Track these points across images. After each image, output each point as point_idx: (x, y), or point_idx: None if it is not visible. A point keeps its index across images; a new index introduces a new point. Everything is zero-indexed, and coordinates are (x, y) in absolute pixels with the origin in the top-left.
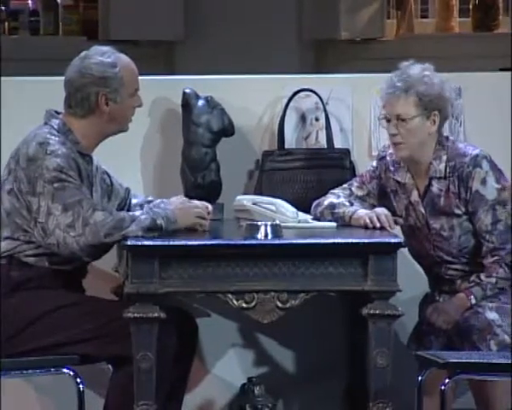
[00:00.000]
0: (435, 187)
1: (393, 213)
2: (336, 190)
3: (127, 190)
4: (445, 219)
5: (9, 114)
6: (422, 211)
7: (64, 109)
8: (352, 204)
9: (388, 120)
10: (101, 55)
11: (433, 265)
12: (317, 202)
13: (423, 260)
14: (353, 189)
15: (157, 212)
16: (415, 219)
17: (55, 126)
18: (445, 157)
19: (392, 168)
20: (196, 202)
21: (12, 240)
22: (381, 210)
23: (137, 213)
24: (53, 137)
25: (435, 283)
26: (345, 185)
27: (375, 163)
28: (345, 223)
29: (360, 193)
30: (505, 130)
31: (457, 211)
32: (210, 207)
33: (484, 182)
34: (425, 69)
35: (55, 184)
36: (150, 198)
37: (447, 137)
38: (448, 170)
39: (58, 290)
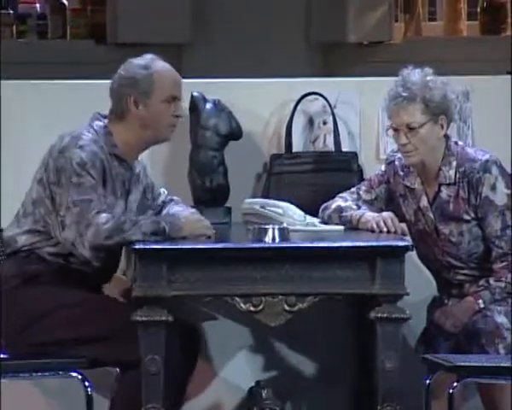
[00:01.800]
0: (444, 193)
1: (402, 218)
2: (344, 194)
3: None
4: (454, 225)
5: (13, 118)
6: (431, 216)
7: (108, 114)
8: (359, 208)
9: (396, 130)
10: (139, 59)
11: (441, 269)
12: (324, 205)
13: (432, 265)
14: (361, 193)
15: (162, 217)
16: (424, 224)
17: (95, 127)
18: (454, 163)
19: (401, 173)
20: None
21: (32, 233)
22: (388, 214)
23: (141, 216)
24: (87, 133)
25: (444, 287)
26: (353, 189)
27: (383, 167)
28: (352, 226)
29: (368, 197)
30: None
31: (466, 216)
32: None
33: (493, 187)
34: (426, 74)
35: (73, 179)
36: (174, 197)
37: (456, 142)
38: (458, 175)
39: (72, 287)
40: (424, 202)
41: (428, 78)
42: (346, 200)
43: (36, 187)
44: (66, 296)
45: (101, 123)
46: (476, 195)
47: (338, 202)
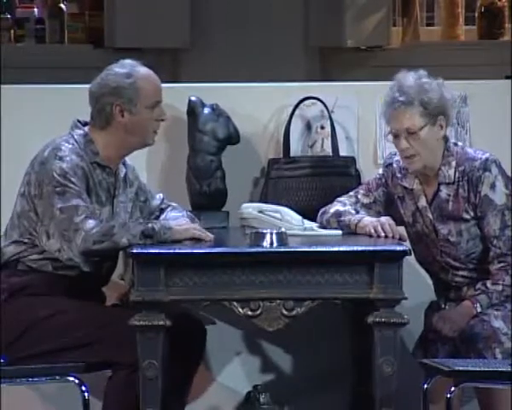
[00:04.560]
0: (444, 192)
1: (400, 220)
2: (342, 198)
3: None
4: (453, 225)
5: (12, 122)
6: (430, 216)
7: (89, 121)
8: (357, 212)
9: (395, 136)
10: (120, 67)
11: (439, 271)
12: (323, 209)
13: (430, 266)
14: (359, 196)
15: (152, 220)
16: (422, 224)
17: (76, 136)
18: (454, 163)
19: (399, 175)
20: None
21: (19, 244)
22: (386, 219)
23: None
24: (67, 144)
25: (441, 289)
26: (351, 193)
27: (381, 170)
28: (350, 231)
29: (366, 201)
30: (511, 137)
31: (466, 216)
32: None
33: (493, 186)
34: (421, 76)
35: (57, 189)
36: (172, 204)
37: (456, 143)
38: (457, 175)
39: (55, 297)
40: (423, 202)
41: (424, 80)
42: (345, 204)
43: (19, 200)
44: (50, 307)
45: (81, 131)
46: (476, 193)
47: (336, 206)
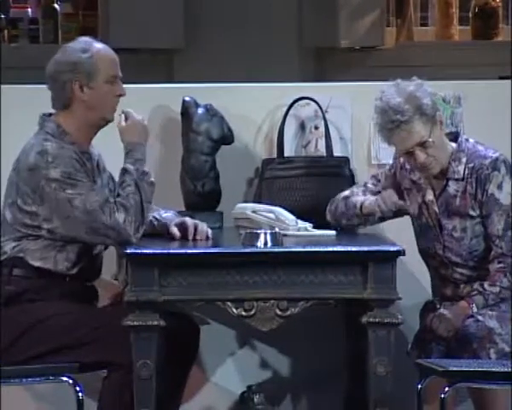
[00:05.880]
0: (452, 188)
1: (406, 211)
2: (351, 188)
3: None
4: (459, 220)
5: (9, 121)
6: (436, 210)
7: (53, 107)
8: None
9: (407, 153)
10: (75, 44)
11: (440, 266)
12: (332, 199)
13: (431, 260)
14: (368, 185)
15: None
16: (427, 217)
17: (50, 131)
18: (464, 159)
19: (407, 167)
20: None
21: (19, 240)
22: (388, 195)
23: (128, 188)
24: (49, 143)
25: (439, 285)
26: (358, 184)
27: (391, 161)
28: (356, 211)
29: (376, 190)
30: (505, 138)
31: (472, 213)
32: (209, 231)
33: (500, 186)
34: (402, 85)
35: (68, 191)
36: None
37: (467, 139)
38: (467, 171)
39: (52, 301)
40: (430, 195)
41: (409, 89)
42: (353, 191)
43: (9, 209)
44: (48, 309)
45: (51, 124)
46: (483, 191)
47: (345, 193)
